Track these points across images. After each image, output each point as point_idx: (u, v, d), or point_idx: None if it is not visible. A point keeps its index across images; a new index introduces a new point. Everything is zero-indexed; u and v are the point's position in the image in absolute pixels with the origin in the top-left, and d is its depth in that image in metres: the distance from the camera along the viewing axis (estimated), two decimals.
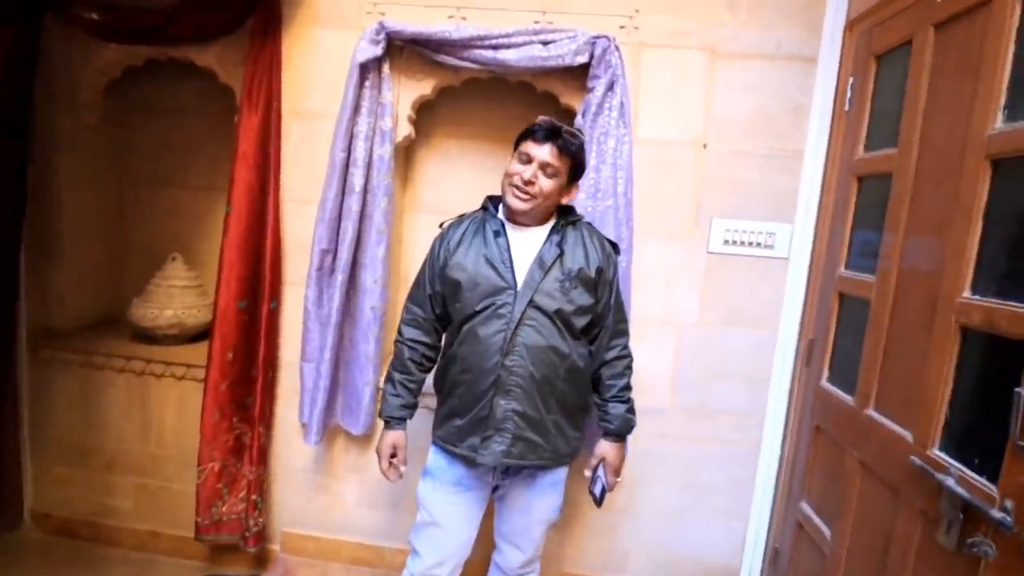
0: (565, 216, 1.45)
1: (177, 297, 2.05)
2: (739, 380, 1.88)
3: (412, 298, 1.50)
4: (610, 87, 1.68)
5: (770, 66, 1.76)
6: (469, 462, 1.39)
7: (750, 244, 1.82)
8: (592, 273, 1.40)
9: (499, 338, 1.33)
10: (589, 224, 1.51)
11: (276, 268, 1.87)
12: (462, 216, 1.49)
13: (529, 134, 1.35)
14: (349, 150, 1.75)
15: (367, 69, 1.72)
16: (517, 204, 1.34)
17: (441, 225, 1.49)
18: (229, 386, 1.84)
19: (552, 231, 1.41)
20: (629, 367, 1.52)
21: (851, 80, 1.67)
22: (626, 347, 1.52)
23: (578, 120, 1.73)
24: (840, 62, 1.71)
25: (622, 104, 1.69)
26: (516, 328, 1.32)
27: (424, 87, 1.85)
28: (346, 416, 1.92)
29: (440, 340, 1.50)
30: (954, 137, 1.19)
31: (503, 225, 1.40)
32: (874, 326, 1.41)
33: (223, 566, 2.07)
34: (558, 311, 1.35)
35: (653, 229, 1.83)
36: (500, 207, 1.45)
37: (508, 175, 1.36)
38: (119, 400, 2.07)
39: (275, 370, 1.95)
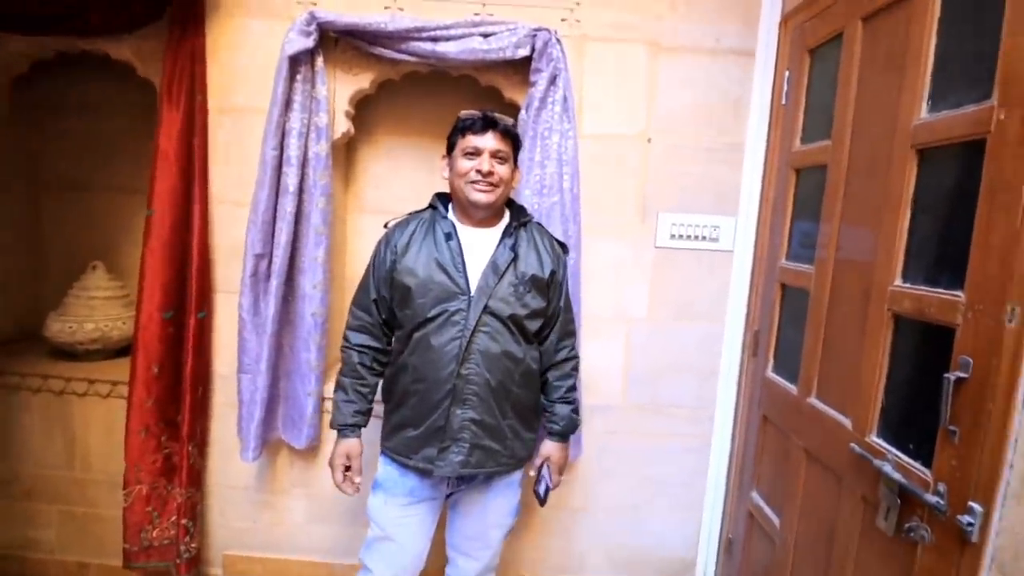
0: (517, 216, 1.42)
1: (99, 309, 1.90)
2: (689, 373, 1.89)
3: (357, 302, 1.44)
4: (552, 81, 1.65)
5: (710, 60, 1.77)
6: (425, 473, 1.34)
7: (696, 238, 1.83)
8: (545, 276, 1.38)
9: (454, 346, 1.29)
10: (539, 224, 1.49)
11: (204, 275, 1.75)
12: (409, 216, 1.43)
13: (466, 128, 1.33)
14: (281, 148, 1.66)
15: (298, 62, 1.63)
16: (483, 197, 1.31)
17: (386, 225, 1.43)
18: (155, 403, 1.71)
19: (504, 233, 1.38)
20: (576, 368, 1.50)
21: (787, 74, 1.69)
22: (574, 348, 1.50)
23: (521, 115, 1.69)
24: (776, 56, 1.74)
25: (565, 98, 1.66)
26: (472, 335, 1.28)
27: (361, 81, 1.77)
28: (288, 429, 1.82)
29: (390, 344, 1.43)
30: (883, 128, 1.21)
31: (454, 227, 1.36)
32: (813, 316, 1.43)
33: None
34: (512, 316, 1.32)
35: (600, 225, 1.82)
36: (449, 207, 1.41)
37: (460, 174, 1.33)
38: (37, 422, 1.90)
39: (206, 384, 1.83)
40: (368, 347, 1.41)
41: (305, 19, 1.61)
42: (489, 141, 1.31)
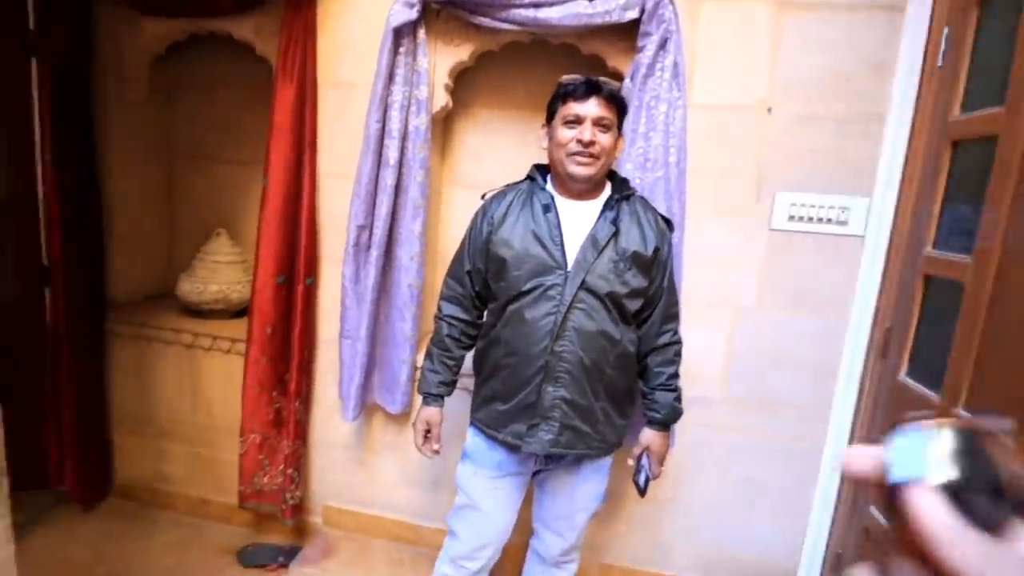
0: (619, 188, 1.34)
1: (221, 272, 2.08)
2: (802, 370, 1.72)
3: (451, 273, 1.43)
4: (662, 45, 1.53)
5: (848, 18, 1.55)
6: (513, 448, 1.33)
7: (820, 220, 1.64)
8: (648, 254, 1.29)
9: (548, 321, 1.25)
10: (643, 199, 1.40)
11: (312, 244, 1.84)
12: (507, 187, 1.40)
13: (567, 95, 1.26)
14: (384, 121, 1.69)
15: (401, 34, 1.64)
16: (583, 171, 1.25)
17: (483, 196, 1.41)
18: (268, 361, 1.85)
19: (606, 206, 1.31)
20: (679, 354, 1.41)
21: (946, 31, 1.44)
22: (677, 332, 1.41)
23: (626, 83, 1.59)
24: (933, 9, 1.48)
25: (676, 64, 1.53)
26: (567, 312, 1.24)
27: (462, 53, 1.75)
28: (383, 394, 1.90)
29: (481, 317, 1.43)
30: None
31: (552, 199, 1.30)
32: (969, 314, 1.22)
33: (267, 534, 2.12)
34: (611, 294, 1.26)
35: (708, 203, 1.68)
36: (548, 179, 1.36)
37: (560, 144, 1.27)
38: (170, 372, 2.14)
39: (312, 347, 1.94)
40: (458, 319, 1.41)
41: None
42: (592, 107, 1.24)
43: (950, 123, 1.40)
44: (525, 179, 1.39)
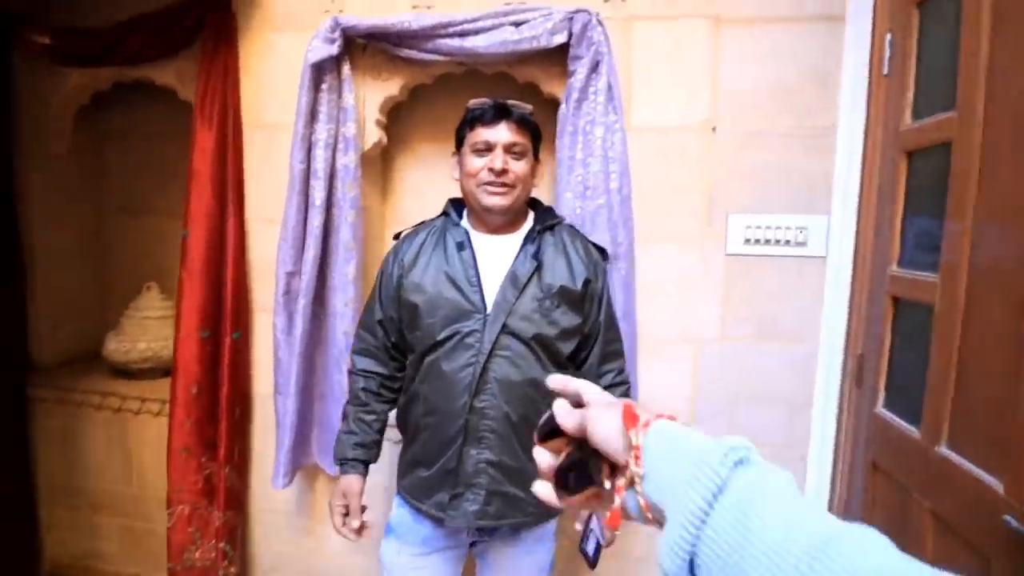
0: (542, 218, 1.22)
1: (151, 329, 1.94)
2: (775, 404, 1.57)
3: (362, 323, 1.30)
4: (594, 68, 1.45)
5: (788, 30, 1.48)
6: (438, 521, 1.16)
7: (777, 242, 1.53)
8: (578, 288, 1.16)
9: (467, 374, 1.11)
10: (571, 227, 1.28)
11: (239, 295, 1.71)
12: (419, 225, 1.27)
13: (476, 119, 1.15)
14: (308, 161, 1.59)
15: (323, 71, 1.56)
16: (497, 201, 1.13)
17: (396, 236, 1.28)
18: (194, 424, 1.69)
19: (526, 239, 1.18)
20: (626, 395, 1.27)
21: (888, 37, 1.36)
22: (621, 371, 1.27)
23: (561, 109, 1.50)
24: (874, 17, 1.41)
25: (610, 86, 1.45)
26: (487, 361, 1.10)
27: (391, 87, 1.67)
28: (323, 455, 1.73)
29: (400, 370, 1.28)
30: None
31: (467, 235, 1.18)
32: (941, 339, 1.09)
33: None
34: (537, 336, 1.12)
35: (658, 230, 1.57)
36: (463, 213, 1.24)
37: (470, 174, 1.15)
38: (99, 439, 1.97)
39: (244, 405, 1.79)
40: (374, 372, 1.26)
41: (329, 26, 1.53)
42: (502, 133, 1.12)
43: (902, 132, 1.31)
44: (439, 216, 1.26)
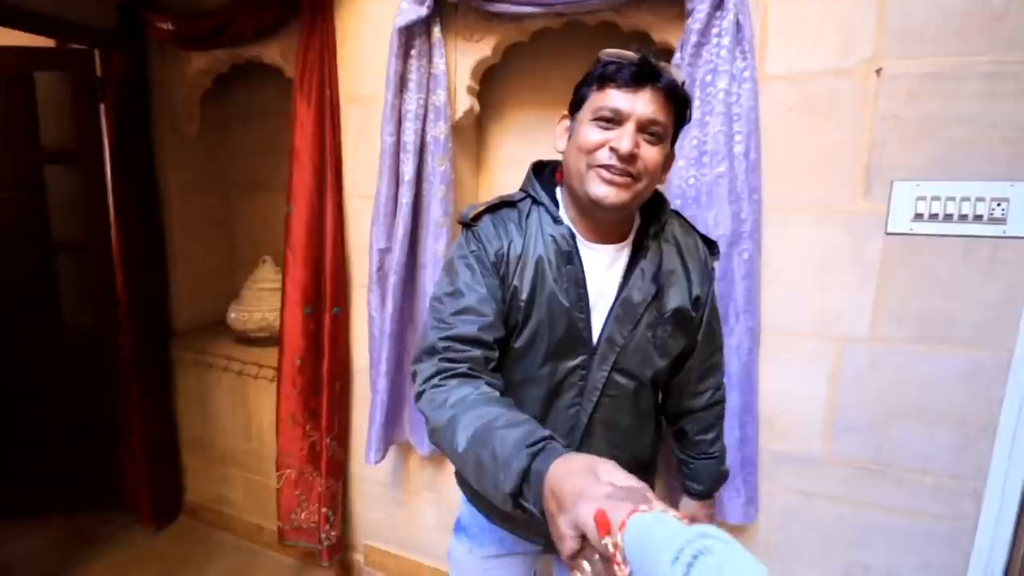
0: (653, 215, 0.95)
1: (266, 300, 2.06)
2: (943, 425, 1.25)
3: (454, 335, 0.85)
4: (719, 4, 1.19)
5: None
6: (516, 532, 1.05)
7: (963, 218, 1.18)
8: (691, 308, 0.95)
9: (569, 416, 0.92)
10: (679, 217, 1.02)
11: (338, 272, 1.73)
12: (499, 206, 0.94)
13: (608, 77, 0.83)
14: (398, 133, 1.52)
15: (412, 35, 1.46)
16: (610, 192, 0.83)
17: (469, 220, 0.93)
18: (299, 394, 1.77)
19: (637, 249, 0.92)
20: (722, 415, 1.09)
21: None
22: (719, 388, 1.07)
23: (675, 59, 1.26)
24: None
25: (738, 25, 1.19)
26: (597, 403, 0.91)
27: (484, 48, 1.54)
28: (414, 432, 1.73)
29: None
30: None
31: (575, 239, 0.90)
32: None
33: (315, 569, 2.04)
34: (652, 374, 0.92)
35: (794, 201, 1.29)
36: (559, 201, 0.95)
37: (583, 148, 0.85)
38: (225, 399, 2.16)
39: (344, 379, 1.83)
40: (492, 385, 0.85)
41: None
42: (642, 104, 0.81)
43: None
44: (523, 197, 0.95)
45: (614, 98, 0.83)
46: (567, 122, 0.93)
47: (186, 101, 2.04)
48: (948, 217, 1.18)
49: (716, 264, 1.05)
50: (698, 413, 1.06)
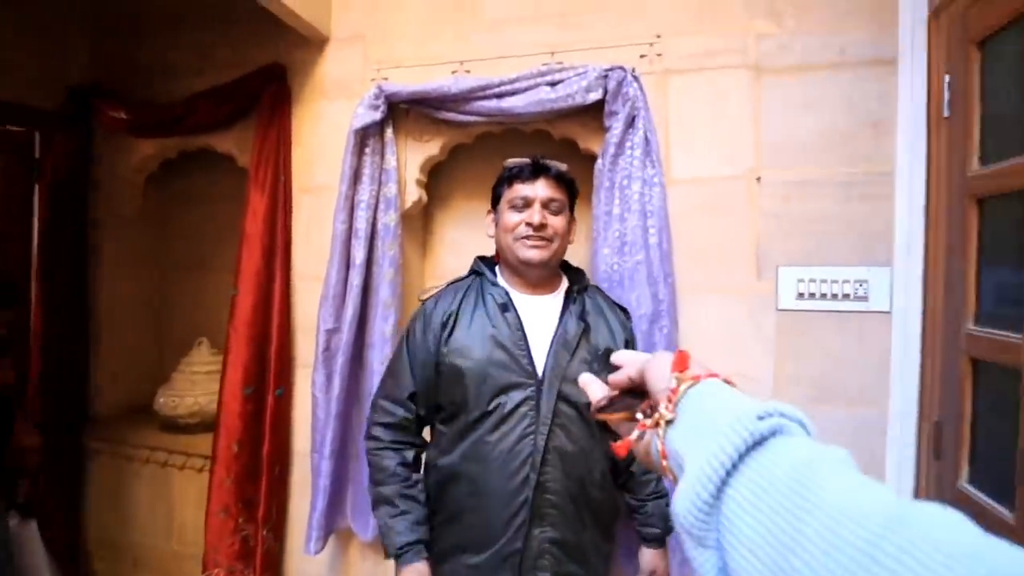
0: (577, 278, 1.22)
1: (200, 384, 2.00)
2: None
3: (388, 395, 1.18)
4: (631, 123, 1.44)
5: (833, 76, 1.43)
6: None
7: (835, 296, 1.42)
8: (620, 348, 1.13)
9: (525, 446, 1.05)
10: (597, 288, 1.27)
11: (283, 352, 1.75)
12: (447, 286, 1.22)
13: (513, 177, 1.17)
14: (350, 221, 1.63)
15: (367, 135, 1.62)
16: (536, 254, 1.12)
17: (421, 299, 1.24)
18: (234, 482, 1.70)
19: (567, 299, 1.16)
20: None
21: (946, 79, 1.29)
22: None
23: (597, 164, 1.49)
24: (928, 59, 1.35)
25: (647, 140, 1.43)
26: (549, 431, 1.05)
27: (432, 148, 1.72)
28: (356, 517, 1.69)
29: (424, 443, 1.21)
30: None
31: (508, 295, 1.15)
32: None
33: None
34: (589, 402, 1.06)
35: (703, 284, 1.50)
36: (497, 272, 1.22)
37: (507, 228, 1.15)
38: (145, 492, 2.01)
39: (284, 464, 1.78)
40: (407, 443, 1.17)
41: (373, 93, 1.60)
42: (540, 189, 1.14)
43: (970, 178, 1.21)
44: (468, 275, 1.23)
45: (521, 189, 1.15)
46: (492, 215, 1.23)
47: (130, 183, 2.06)
48: (823, 296, 1.42)
49: (631, 325, 1.25)
50: None
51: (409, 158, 1.73)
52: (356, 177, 1.63)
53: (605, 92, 1.45)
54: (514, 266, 1.16)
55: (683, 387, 0.41)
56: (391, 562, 1.67)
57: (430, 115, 1.65)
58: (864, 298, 1.40)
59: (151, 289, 2.30)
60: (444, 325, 1.13)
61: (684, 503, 0.36)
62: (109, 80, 2.00)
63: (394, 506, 1.12)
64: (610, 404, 0.51)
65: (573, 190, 1.20)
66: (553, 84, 1.49)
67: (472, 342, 1.10)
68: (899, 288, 1.37)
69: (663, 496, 1.20)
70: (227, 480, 1.69)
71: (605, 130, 1.47)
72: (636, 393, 0.49)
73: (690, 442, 0.39)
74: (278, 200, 1.74)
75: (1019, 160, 1.04)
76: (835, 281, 1.42)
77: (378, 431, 1.17)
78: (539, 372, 1.07)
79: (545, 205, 1.13)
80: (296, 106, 1.82)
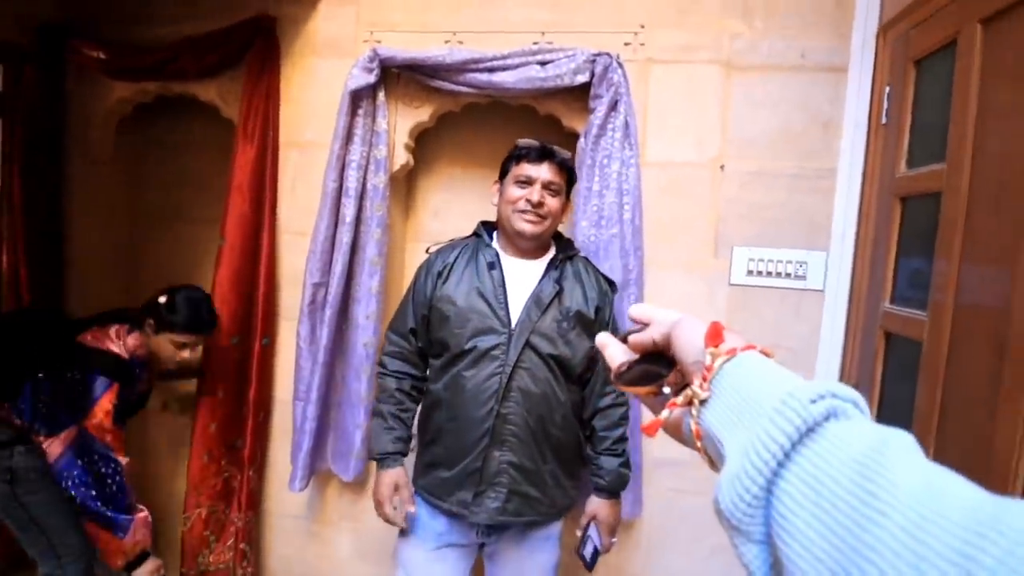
0: (564, 249, 1.35)
1: None
2: None
3: (395, 328, 1.40)
4: (613, 106, 1.56)
5: (793, 78, 1.60)
6: (458, 517, 1.26)
7: (779, 275, 1.62)
8: (591, 314, 1.29)
9: (493, 383, 1.22)
10: (586, 259, 1.40)
11: (269, 302, 1.81)
12: (452, 242, 1.39)
13: (522, 156, 1.29)
14: (341, 180, 1.69)
15: (360, 97, 1.67)
16: (530, 228, 1.26)
17: (428, 251, 1.40)
18: (219, 427, 1.77)
19: (550, 265, 1.31)
20: (625, 417, 1.36)
21: (887, 89, 1.48)
22: (623, 394, 1.36)
23: (580, 143, 1.61)
24: (874, 70, 1.53)
25: (627, 124, 1.56)
26: (512, 372, 1.21)
27: (421, 114, 1.78)
28: (337, 460, 1.80)
29: (426, 373, 1.38)
30: (1015, 148, 0.99)
31: (498, 256, 1.30)
32: (927, 374, 1.18)
33: None
34: (554, 354, 1.24)
35: (667, 259, 1.67)
36: (494, 236, 1.36)
37: (509, 201, 1.28)
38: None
39: (267, 410, 1.86)
40: (407, 374, 1.37)
41: (368, 56, 1.65)
42: (544, 171, 1.27)
43: (897, 179, 1.41)
44: (471, 235, 1.39)
45: (527, 169, 1.28)
46: (497, 187, 1.36)
47: (102, 126, 2.01)
48: (769, 274, 1.62)
49: (615, 296, 1.40)
50: (604, 411, 1.34)
51: (399, 122, 1.79)
52: (348, 137, 1.68)
53: (592, 76, 1.56)
54: (509, 234, 1.30)
55: (718, 363, 0.38)
56: (362, 503, 1.85)
57: (422, 82, 1.71)
58: (803, 277, 1.61)
59: (125, 238, 2.26)
60: (439, 275, 1.31)
61: (729, 495, 0.33)
62: (84, 20, 1.92)
63: (385, 421, 1.34)
64: (630, 370, 0.46)
65: (572, 177, 1.34)
66: (543, 64, 1.59)
67: (458, 293, 1.27)
68: (832, 269, 1.59)
69: (618, 455, 1.34)
70: (211, 425, 1.76)
71: (589, 111, 1.58)
72: (659, 357, 0.45)
73: (729, 424, 0.36)
74: (267, 153, 1.77)
75: (936, 167, 1.24)
76: (780, 261, 1.61)
77: (385, 359, 1.39)
78: (512, 323, 1.23)
79: (546, 186, 1.26)
80: (285, 61, 1.83)
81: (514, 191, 1.27)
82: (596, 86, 1.56)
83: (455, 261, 1.31)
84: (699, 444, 0.39)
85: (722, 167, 1.63)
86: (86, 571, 1.52)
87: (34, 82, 1.88)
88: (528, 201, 1.25)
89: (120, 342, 1.52)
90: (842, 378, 1.57)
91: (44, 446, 1.42)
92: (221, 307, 1.75)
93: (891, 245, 1.41)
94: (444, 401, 1.26)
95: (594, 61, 1.55)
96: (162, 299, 1.55)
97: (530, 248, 1.31)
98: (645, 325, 0.47)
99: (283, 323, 1.88)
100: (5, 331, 1.56)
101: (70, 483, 1.41)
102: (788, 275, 1.61)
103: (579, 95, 1.64)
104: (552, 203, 1.28)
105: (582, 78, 1.56)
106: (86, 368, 1.45)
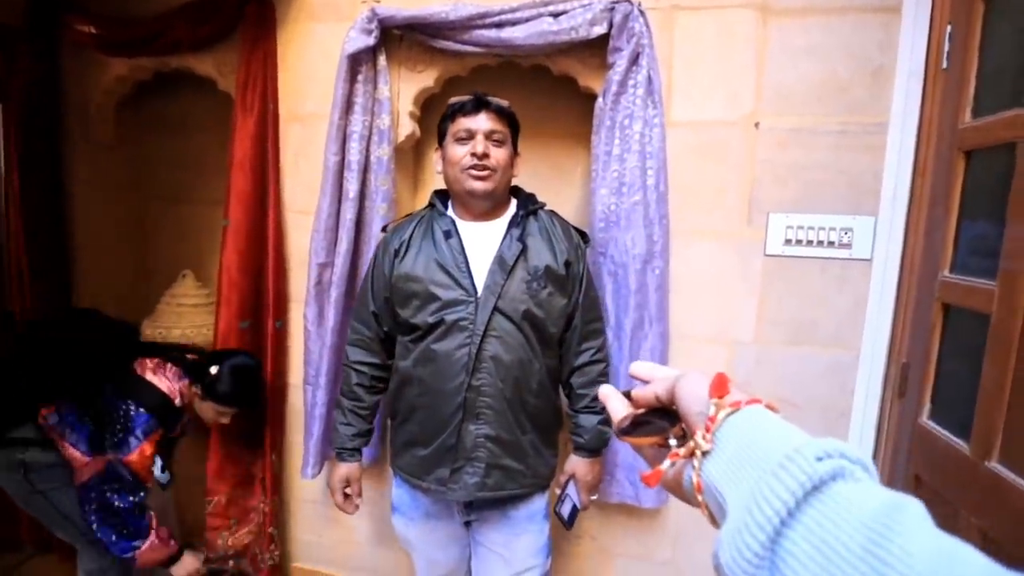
0: (525, 204, 1.27)
1: (186, 316, 1.98)
2: (810, 412, 1.53)
3: (356, 316, 1.35)
4: (634, 60, 1.41)
5: (839, 22, 1.42)
6: (438, 495, 1.22)
7: (820, 243, 1.47)
8: (561, 269, 1.21)
9: (462, 354, 1.16)
10: (552, 212, 1.32)
11: (280, 284, 1.74)
12: (406, 217, 1.33)
13: (456, 111, 1.22)
14: (343, 153, 1.59)
15: (359, 62, 1.55)
16: (480, 185, 1.18)
17: (384, 229, 1.34)
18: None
19: (511, 224, 1.23)
20: (604, 373, 1.30)
21: (948, 30, 1.29)
22: (600, 350, 1.30)
23: (598, 103, 1.47)
24: (932, 8, 1.34)
25: (650, 79, 1.41)
26: (481, 342, 1.15)
27: (426, 79, 1.66)
28: None
29: (391, 358, 1.32)
30: None
31: (453, 223, 1.23)
32: (998, 349, 1.04)
33: None
34: (527, 316, 1.17)
35: (695, 228, 1.53)
36: (448, 204, 1.29)
37: (453, 161, 1.21)
38: None
39: (283, 394, 1.81)
40: (366, 363, 1.33)
41: (366, 16, 1.53)
42: (482, 122, 1.19)
43: (961, 130, 1.24)
44: (426, 207, 1.32)
45: (464, 123, 1.20)
46: (439, 152, 1.28)
47: (102, 106, 1.95)
48: (810, 243, 1.47)
49: (588, 248, 1.34)
50: (581, 368, 1.28)
51: (402, 89, 1.67)
52: (348, 106, 1.57)
53: (610, 26, 1.41)
54: (461, 197, 1.23)
55: (722, 414, 0.37)
56: (384, 485, 1.80)
57: (425, 43, 1.59)
58: (848, 245, 1.46)
59: (130, 219, 2.22)
60: (396, 252, 1.25)
61: (730, 551, 0.32)
62: None
63: (344, 416, 1.34)
64: (634, 426, 0.45)
65: (515, 125, 1.26)
66: (556, 15, 1.44)
67: (417, 268, 1.21)
68: (882, 236, 1.43)
69: (597, 412, 1.28)
70: None
71: (608, 67, 1.44)
72: (662, 412, 0.44)
73: (731, 478, 0.35)
74: (267, 124, 1.68)
75: (1010, 113, 1.07)
76: (822, 228, 1.46)
77: (348, 349, 1.36)
78: (478, 291, 1.17)
79: (488, 136, 1.19)
80: (281, 27, 1.72)
81: (456, 150, 1.20)
82: (615, 38, 1.41)
83: (411, 236, 1.25)
84: (700, 498, 0.38)
85: (756, 125, 1.47)
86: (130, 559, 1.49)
87: (29, 63, 1.82)
88: (473, 155, 1.17)
89: (176, 384, 1.49)
90: (892, 354, 1.43)
91: (75, 465, 1.40)
92: (229, 290, 1.69)
93: (952, 207, 1.25)
94: (414, 377, 1.21)
95: (612, 10, 1.40)
96: (213, 370, 1.50)
97: (486, 208, 1.23)
98: (646, 383, 0.46)
99: (294, 305, 1.82)
100: (78, 330, 1.54)
101: (88, 507, 1.38)
102: (831, 243, 1.46)
103: (596, 50, 1.49)
104: (498, 154, 1.20)
105: (599, 30, 1.41)
106: (137, 399, 1.41)
